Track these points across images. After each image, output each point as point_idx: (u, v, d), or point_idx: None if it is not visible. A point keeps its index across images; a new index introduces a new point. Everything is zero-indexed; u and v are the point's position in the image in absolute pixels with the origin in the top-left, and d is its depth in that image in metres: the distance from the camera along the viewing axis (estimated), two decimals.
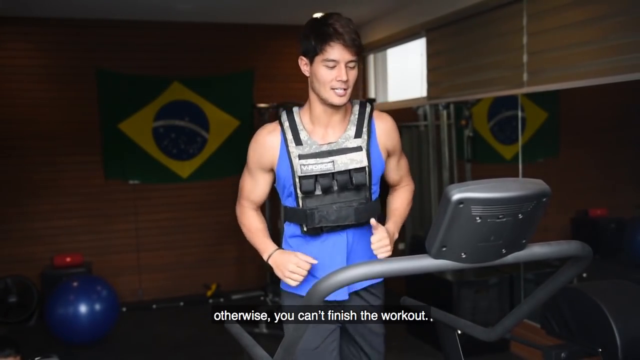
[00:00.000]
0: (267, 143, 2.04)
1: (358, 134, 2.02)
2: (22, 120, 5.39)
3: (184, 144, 5.86)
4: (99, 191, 5.63)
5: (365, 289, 2.13)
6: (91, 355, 4.42)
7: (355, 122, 2.04)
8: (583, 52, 3.60)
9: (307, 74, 2.03)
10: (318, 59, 1.94)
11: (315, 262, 1.97)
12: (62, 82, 5.51)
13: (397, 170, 2.18)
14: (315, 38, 1.94)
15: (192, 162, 5.90)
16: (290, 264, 1.95)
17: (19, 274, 5.22)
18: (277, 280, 5.27)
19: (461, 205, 1.21)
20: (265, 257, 2.07)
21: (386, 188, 2.24)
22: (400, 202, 2.18)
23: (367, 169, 1.99)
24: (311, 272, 2.05)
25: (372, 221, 1.93)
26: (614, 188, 4.55)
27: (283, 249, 2.15)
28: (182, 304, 5.68)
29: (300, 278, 1.95)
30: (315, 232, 2.02)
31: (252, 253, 6.70)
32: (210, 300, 5.75)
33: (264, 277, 5.79)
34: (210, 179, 5.96)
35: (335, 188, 1.97)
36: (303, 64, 2.02)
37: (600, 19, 3.48)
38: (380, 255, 1.91)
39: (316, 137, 2.02)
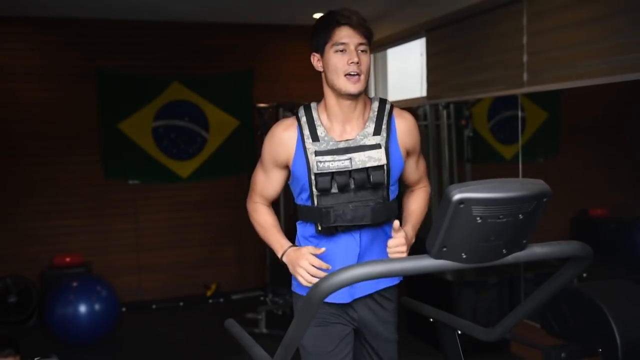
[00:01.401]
0: (283, 139, 1.98)
1: (377, 131, 1.96)
2: (22, 120, 5.39)
3: (184, 144, 5.86)
4: (98, 191, 5.63)
5: (378, 292, 2.08)
6: (91, 355, 4.41)
7: (375, 119, 1.98)
8: (583, 52, 3.60)
9: (320, 69, 2.00)
10: (328, 47, 1.93)
11: (327, 266, 1.89)
12: (62, 82, 5.50)
13: (416, 171, 2.14)
14: (323, 28, 1.94)
15: (192, 162, 5.90)
16: (302, 261, 1.87)
17: (18, 274, 5.22)
18: (277, 280, 5.27)
19: (462, 206, 1.21)
20: (279, 255, 1.99)
21: (401, 188, 2.19)
22: (417, 205, 2.14)
23: (385, 167, 1.93)
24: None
25: (396, 224, 1.86)
26: (614, 188, 4.54)
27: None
28: (182, 304, 5.68)
29: (309, 277, 1.86)
30: (329, 231, 1.96)
31: (252, 253, 6.69)
32: (210, 300, 5.75)
33: (264, 277, 5.79)
34: (210, 179, 5.96)
35: (352, 186, 1.91)
36: (315, 60, 2.00)
37: (600, 19, 3.48)
38: (395, 256, 1.86)
39: (333, 134, 1.96)
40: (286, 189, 2.17)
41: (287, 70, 6.05)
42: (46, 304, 4.55)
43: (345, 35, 1.91)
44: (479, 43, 4.56)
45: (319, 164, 1.90)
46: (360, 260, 2.00)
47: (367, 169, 1.91)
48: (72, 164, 5.55)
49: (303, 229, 2.07)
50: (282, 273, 5.32)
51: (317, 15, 5.71)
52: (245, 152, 5.99)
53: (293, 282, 2.09)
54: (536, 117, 4.60)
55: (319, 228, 1.97)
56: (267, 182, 2.08)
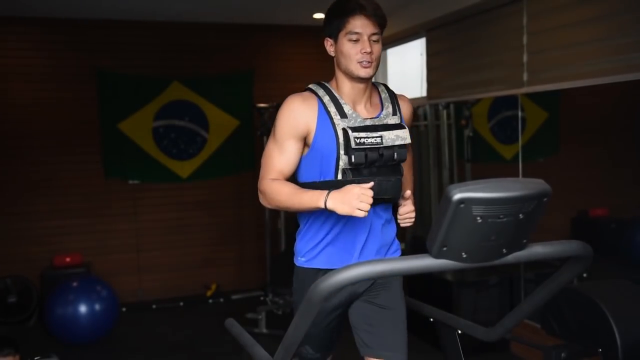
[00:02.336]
0: (303, 109, 1.99)
1: (394, 112, 2.07)
2: (22, 120, 5.39)
3: (184, 144, 5.86)
4: (98, 191, 5.63)
5: None
6: (91, 355, 4.41)
7: (389, 100, 2.09)
8: (583, 52, 3.60)
9: (332, 54, 2.06)
10: (342, 34, 1.99)
11: (372, 184, 1.85)
12: (62, 82, 5.50)
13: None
14: (338, 15, 1.99)
15: (192, 162, 5.90)
16: (355, 197, 1.78)
17: (18, 274, 5.22)
18: (277, 280, 5.27)
19: (462, 205, 1.21)
20: (321, 204, 1.84)
21: None
22: (407, 168, 2.23)
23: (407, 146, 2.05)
24: (332, 244, 2.06)
25: (408, 193, 2.02)
26: (614, 188, 4.54)
27: (301, 236, 2.13)
28: (182, 304, 5.67)
29: (368, 206, 1.78)
30: None
31: (252, 253, 6.67)
32: (210, 300, 5.75)
33: (264, 277, 5.79)
34: (210, 179, 5.96)
35: (379, 163, 1.98)
36: (329, 45, 2.06)
37: (600, 19, 3.48)
38: (405, 224, 2.07)
39: (359, 111, 2.04)
40: None
41: (287, 70, 6.05)
42: (46, 304, 4.55)
43: (360, 25, 1.95)
44: (479, 43, 4.56)
45: (356, 139, 1.94)
46: (368, 238, 2.06)
47: (394, 146, 1.99)
48: (72, 164, 5.55)
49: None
50: (282, 273, 5.32)
51: (318, 16, 5.74)
52: (245, 152, 5.99)
53: (296, 255, 2.13)
54: (536, 117, 4.59)
55: None
56: (283, 156, 2.00)
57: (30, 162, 5.42)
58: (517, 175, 4.19)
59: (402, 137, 2.00)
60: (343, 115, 1.98)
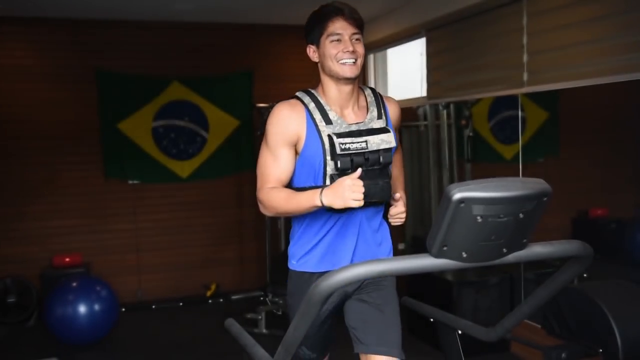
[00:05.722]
0: (292, 116, 2.03)
1: (379, 116, 2.12)
2: (21, 120, 5.39)
3: (184, 144, 5.86)
4: (98, 191, 5.63)
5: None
6: (91, 355, 4.41)
7: (375, 104, 2.14)
8: (583, 52, 3.60)
9: (316, 59, 2.11)
10: (323, 38, 2.05)
11: (359, 171, 1.91)
12: (62, 82, 5.50)
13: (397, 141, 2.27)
14: (318, 21, 2.07)
15: (192, 162, 5.90)
16: (347, 188, 1.83)
17: (18, 274, 5.22)
18: (276, 280, 5.26)
19: (462, 205, 1.21)
20: (317, 202, 1.90)
21: None
22: (397, 169, 2.31)
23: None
24: (324, 248, 2.10)
25: (397, 195, 2.06)
26: (614, 188, 4.54)
27: (294, 240, 2.18)
28: (181, 304, 5.67)
29: (361, 195, 1.84)
30: (339, 210, 1.92)
31: (252, 253, 6.66)
32: (210, 300, 5.75)
33: (264, 277, 5.79)
34: (210, 178, 5.96)
35: (365, 167, 2.00)
36: (311, 52, 2.12)
37: (600, 19, 3.48)
38: (395, 223, 2.11)
39: (344, 117, 2.08)
40: None
41: (287, 70, 6.05)
42: (46, 304, 4.54)
43: (340, 27, 2.03)
44: (479, 43, 4.56)
45: (341, 145, 1.98)
46: (359, 240, 2.11)
47: (379, 150, 2.03)
48: (72, 164, 5.55)
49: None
50: (282, 273, 5.31)
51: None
52: (245, 152, 5.98)
53: (289, 259, 2.17)
54: (536, 117, 4.59)
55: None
56: (278, 164, 2.04)
57: (30, 162, 5.42)
58: (517, 175, 4.19)
59: (387, 140, 2.04)
60: (328, 121, 2.03)
